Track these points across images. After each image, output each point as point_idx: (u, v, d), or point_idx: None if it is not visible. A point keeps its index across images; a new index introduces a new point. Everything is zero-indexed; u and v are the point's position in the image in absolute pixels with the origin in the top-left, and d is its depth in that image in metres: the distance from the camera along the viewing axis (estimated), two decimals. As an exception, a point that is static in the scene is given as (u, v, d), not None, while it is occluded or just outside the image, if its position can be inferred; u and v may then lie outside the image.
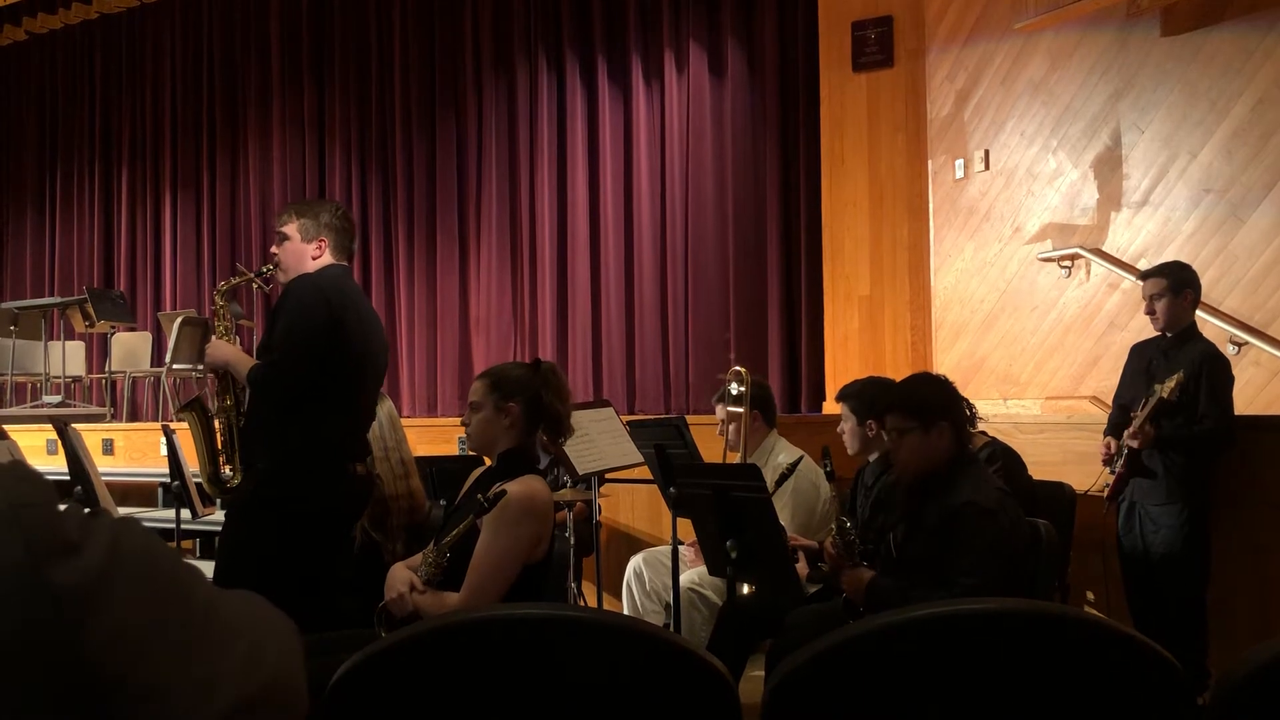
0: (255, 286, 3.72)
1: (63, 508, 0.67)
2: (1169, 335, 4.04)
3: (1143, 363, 4.11)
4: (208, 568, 3.48)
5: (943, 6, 6.16)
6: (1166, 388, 3.78)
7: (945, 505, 2.83)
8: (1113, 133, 5.45)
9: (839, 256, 6.41)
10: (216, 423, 3.30)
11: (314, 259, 3.23)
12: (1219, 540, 3.99)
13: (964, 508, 2.78)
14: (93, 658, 0.61)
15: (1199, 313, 4.84)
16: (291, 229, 3.23)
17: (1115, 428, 4.06)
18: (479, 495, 2.53)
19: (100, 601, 0.62)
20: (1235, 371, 4.78)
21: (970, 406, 3.16)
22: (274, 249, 3.30)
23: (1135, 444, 3.84)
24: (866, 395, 3.76)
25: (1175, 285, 3.99)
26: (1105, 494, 4.02)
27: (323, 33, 8.96)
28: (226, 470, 3.25)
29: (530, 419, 2.76)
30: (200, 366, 7.32)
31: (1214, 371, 3.88)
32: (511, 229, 8.03)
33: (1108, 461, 4.02)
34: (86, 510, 0.69)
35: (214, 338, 3.33)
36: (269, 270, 3.34)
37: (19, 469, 0.68)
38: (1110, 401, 4.40)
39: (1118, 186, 5.45)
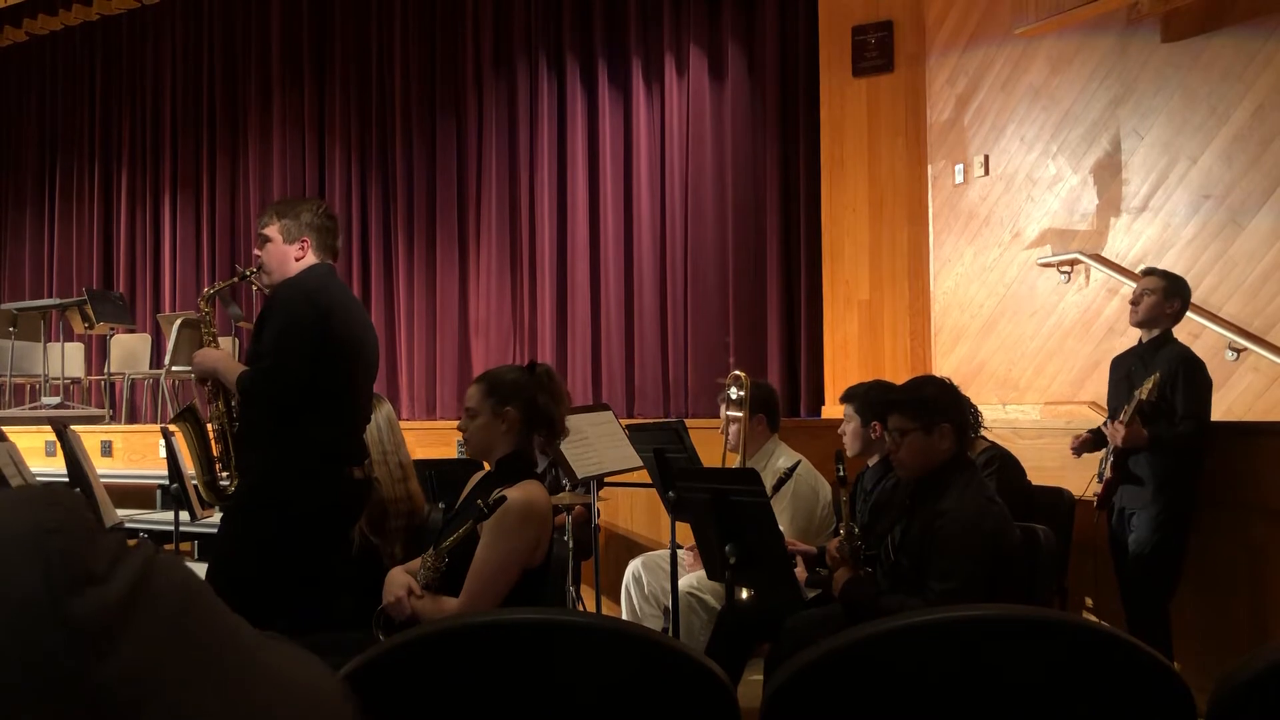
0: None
1: (98, 537, 0.64)
2: (1144, 341, 4.12)
3: (1122, 372, 4.19)
4: (206, 569, 3.48)
5: (943, 11, 6.16)
6: (1145, 389, 3.83)
7: (931, 513, 2.85)
8: (1113, 138, 5.46)
9: (838, 260, 6.42)
10: (210, 429, 3.28)
11: (297, 260, 3.19)
12: (1217, 545, 4.00)
13: (943, 516, 2.80)
14: (109, 691, 0.59)
15: (1198, 317, 4.87)
16: (273, 230, 3.20)
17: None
18: (479, 501, 2.53)
19: (120, 634, 0.60)
20: (1235, 378, 4.80)
21: (975, 412, 3.16)
22: (256, 251, 3.26)
23: (1120, 439, 3.86)
24: (871, 397, 3.77)
25: (1169, 290, 4.06)
26: (1095, 502, 4.05)
27: (323, 34, 8.97)
28: (223, 477, 3.24)
29: (527, 423, 2.76)
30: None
31: (1189, 373, 3.93)
32: (511, 231, 8.03)
33: (1077, 450, 4.12)
34: (130, 542, 0.66)
35: (203, 345, 3.30)
36: (252, 273, 3.31)
37: (54, 493, 0.65)
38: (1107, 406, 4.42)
39: (1117, 192, 5.45)
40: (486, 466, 2.89)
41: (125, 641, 0.60)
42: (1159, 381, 3.84)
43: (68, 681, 0.58)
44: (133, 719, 0.59)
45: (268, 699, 0.66)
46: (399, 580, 2.61)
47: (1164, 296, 4.04)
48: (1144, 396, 3.83)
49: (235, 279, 3.47)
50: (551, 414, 2.78)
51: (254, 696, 0.65)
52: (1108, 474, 4.00)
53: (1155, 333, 4.07)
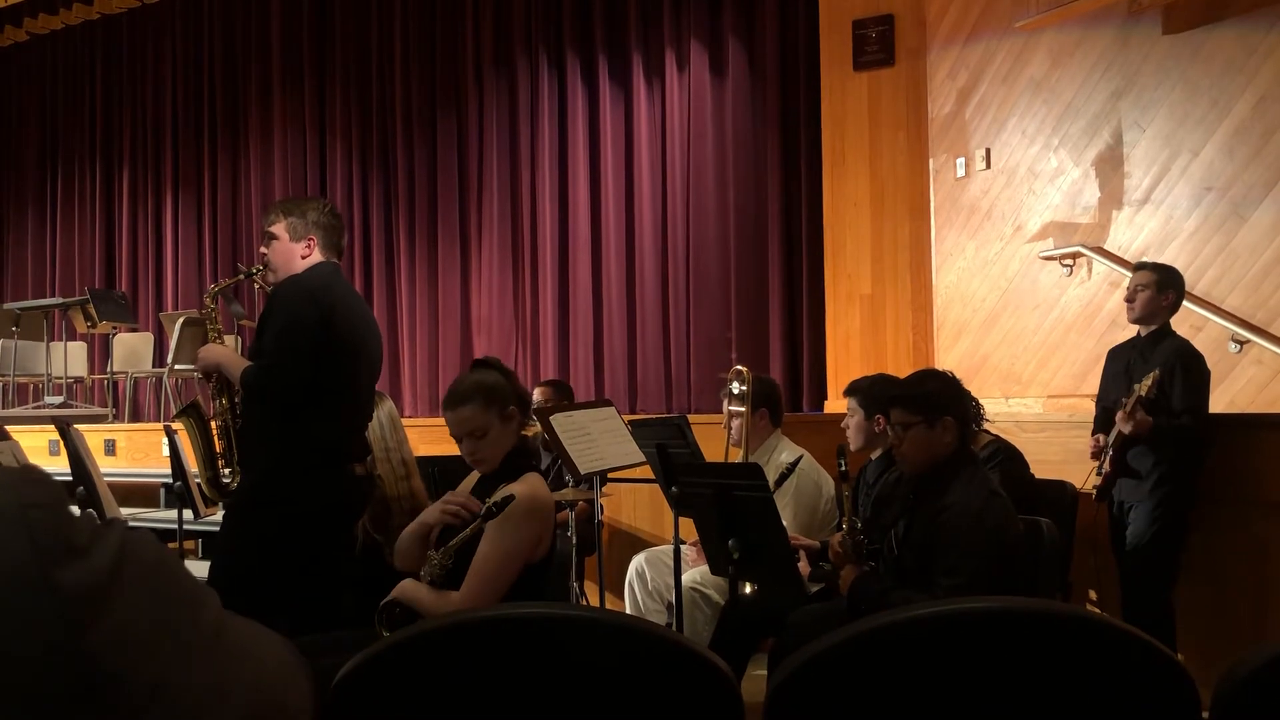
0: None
1: (75, 513, 0.67)
2: (1143, 335, 4.13)
3: (1121, 364, 4.19)
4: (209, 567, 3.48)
5: (944, 5, 6.15)
6: (1144, 386, 3.84)
7: (934, 507, 2.84)
8: (1114, 131, 5.45)
9: (840, 255, 6.41)
10: (213, 426, 3.29)
11: (303, 258, 3.20)
12: (1220, 538, 4.00)
13: (947, 510, 2.79)
14: (95, 657, 0.61)
15: (1201, 310, 4.87)
16: (279, 228, 3.20)
17: (1103, 426, 4.11)
18: (487, 500, 2.54)
19: (104, 604, 0.62)
20: (1237, 371, 4.79)
21: (977, 405, 3.16)
22: (263, 249, 3.27)
23: (1126, 428, 3.86)
24: (875, 391, 3.77)
25: (1161, 282, 4.08)
26: (1094, 495, 4.06)
27: (324, 32, 8.96)
28: (225, 474, 3.25)
29: (523, 414, 2.77)
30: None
31: (1188, 367, 3.94)
32: (513, 228, 8.03)
33: (1096, 455, 4.08)
34: (101, 520, 0.69)
35: (207, 341, 3.33)
36: (258, 271, 3.32)
37: (31, 472, 0.68)
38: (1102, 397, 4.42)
39: (1119, 185, 5.44)
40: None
41: (109, 613, 0.62)
42: (1158, 379, 3.85)
43: (57, 648, 0.60)
44: (115, 686, 0.62)
45: (231, 669, 0.70)
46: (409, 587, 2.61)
47: (1157, 290, 4.06)
48: (1144, 394, 3.84)
49: (241, 276, 3.49)
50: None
51: (219, 666, 0.69)
52: (1106, 467, 4.00)
53: (1154, 326, 4.07)
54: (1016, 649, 1.34)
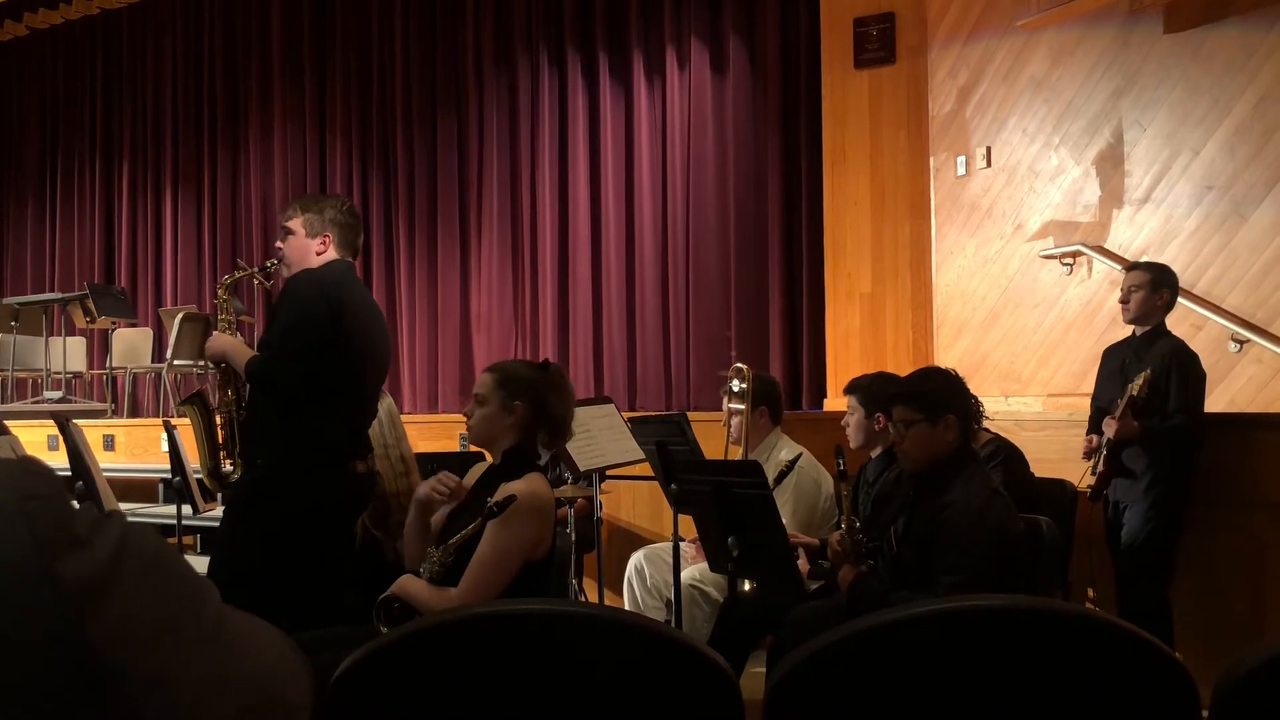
0: (256, 282, 3.72)
1: (75, 506, 0.67)
2: (1138, 334, 4.13)
3: (1116, 363, 4.20)
4: (207, 563, 3.48)
5: (945, 3, 6.15)
6: (1136, 385, 3.84)
7: (934, 505, 2.84)
8: (1115, 130, 5.45)
9: (840, 253, 6.41)
10: (217, 417, 3.30)
11: (318, 254, 3.22)
12: (1217, 537, 4.00)
13: (948, 509, 2.79)
14: (96, 649, 0.61)
15: (1201, 309, 4.87)
16: (296, 224, 3.22)
17: (1096, 425, 4.12)
18: (488, 500, 2.54)
19: (105, 596, 0.63)
20: (1237, 370, 4.79)
21: (978, 403, 3.16)
22: (279, 244, 3.29)
23: (1111, 433, 3.87)
24: (876, 389, 3.77)
25: (1155, 282, 4.08)
26: (1089, 493, 4.07)
27: (324, 28, 8.95)
28: (227, 465, 3.26)
29: (534, 420, 2.75)
30: (201, 362, 7.33)
31: (1182, 367, 3.94)
32: (513, 225, 8.03)
33: (1088, 455, 4.08)
34: (101, 512, 0.68)
35: (215, 330, 3.34)
36: (273, 265, 3.34)
37: (29, 463, 0.68)
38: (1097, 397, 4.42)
39: (1120, 184, 5.44)
40: (487, 456, 2.89)
41: (109, 606, 0.62)
42: (1149, 378, 3.85)
43: (57, 641, 0.60)
44: (115, 679, 0.62)
45: (231, 663, 0.70)
46: (406, 582, 2.61)
47: (1151, 290, 4.07)
48: (1135, 393, 3.84)
49: (255, 270, 3.49)
50: (559, 415, 2.78)
51: (219, 659, 0.69)
52: (1101, 467, 4.01)
53: (1149, 326, 4.08)
54: (1016, 647, 1.34)
